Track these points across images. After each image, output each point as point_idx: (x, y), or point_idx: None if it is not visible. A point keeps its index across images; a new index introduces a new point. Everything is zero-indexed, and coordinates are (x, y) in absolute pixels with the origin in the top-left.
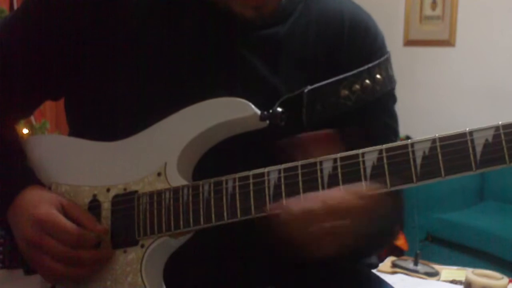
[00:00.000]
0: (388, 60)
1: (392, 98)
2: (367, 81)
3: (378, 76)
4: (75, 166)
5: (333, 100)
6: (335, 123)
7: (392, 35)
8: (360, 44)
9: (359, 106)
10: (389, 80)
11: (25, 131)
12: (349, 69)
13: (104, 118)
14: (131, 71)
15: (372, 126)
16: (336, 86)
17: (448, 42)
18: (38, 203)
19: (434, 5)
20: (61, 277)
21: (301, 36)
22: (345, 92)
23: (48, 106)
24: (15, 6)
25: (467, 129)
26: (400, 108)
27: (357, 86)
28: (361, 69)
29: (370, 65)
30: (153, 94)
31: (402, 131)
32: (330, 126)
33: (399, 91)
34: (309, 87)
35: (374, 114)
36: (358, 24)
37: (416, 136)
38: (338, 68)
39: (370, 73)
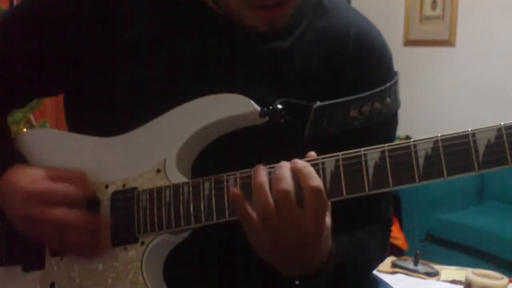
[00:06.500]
0: (397, 83)
1: (395, 123)
2: (377, 103)
3: (388, 99)
4: (71, 162)
5: (340, 119)
6: (335, 140)
7: (392, 35)
8: (365, 61)
9: (363, 127)
10: (396, 104)
11: (25, 131)
12: (354, 86)
13: (103, 115)
14: (130, 69)
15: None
16: (346, 106)
17: (448, 42)
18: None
19: (434, 5)
20: (57, 227)
21: (304, 51)
22: (354, 112)
23: (48, 106)
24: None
25: (470, 129)
26: (400, 108)
27: (367, 108)
28: (374, 91)
29: (382, 87)
30: (152, 93)
31: (402, 131)
32: (330, 142)
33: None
34: (318, 104)
35: (374, 138)
36: (364, 40)
37: (416, 136)
38: (342, 84)
39: (381, 96)
